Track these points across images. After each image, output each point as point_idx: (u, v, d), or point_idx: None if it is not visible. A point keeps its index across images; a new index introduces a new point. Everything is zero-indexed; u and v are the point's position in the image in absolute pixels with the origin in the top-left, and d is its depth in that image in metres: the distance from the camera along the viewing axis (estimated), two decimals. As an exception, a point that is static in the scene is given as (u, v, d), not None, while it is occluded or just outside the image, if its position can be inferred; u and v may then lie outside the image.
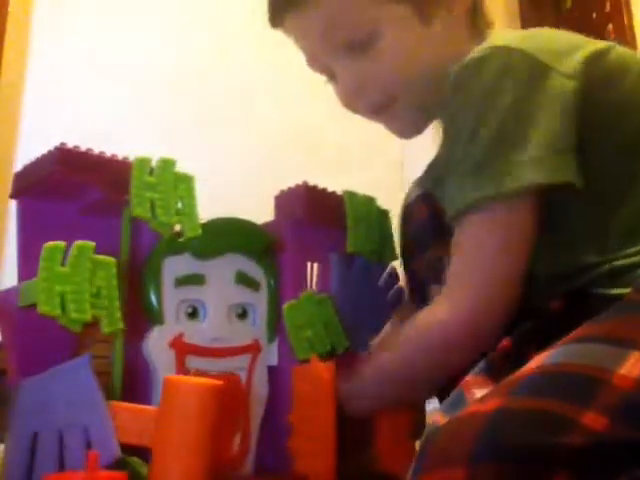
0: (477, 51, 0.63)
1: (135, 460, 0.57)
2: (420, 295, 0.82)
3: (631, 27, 1.91)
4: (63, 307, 0.55)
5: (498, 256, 0.61)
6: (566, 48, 0.63)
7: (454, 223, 0.63)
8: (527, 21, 1.88)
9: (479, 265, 0.62)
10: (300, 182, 0.75)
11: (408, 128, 0.76)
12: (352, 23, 0.68)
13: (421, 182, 0.80)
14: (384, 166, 1.76)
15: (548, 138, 0.58)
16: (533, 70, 0.60)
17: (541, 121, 0.59)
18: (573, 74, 0.60)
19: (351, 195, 0.78)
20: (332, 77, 0.74)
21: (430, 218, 0.82)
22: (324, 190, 0.77)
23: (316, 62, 0.74)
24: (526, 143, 0.58)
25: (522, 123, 0.59)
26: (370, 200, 0.80)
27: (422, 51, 0.69)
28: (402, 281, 0.85)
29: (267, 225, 0.75)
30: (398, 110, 0.72)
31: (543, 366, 0.46)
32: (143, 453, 0.56)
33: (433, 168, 0.79)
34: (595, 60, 0.62)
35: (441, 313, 0.62)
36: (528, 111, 0.59)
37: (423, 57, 0.70)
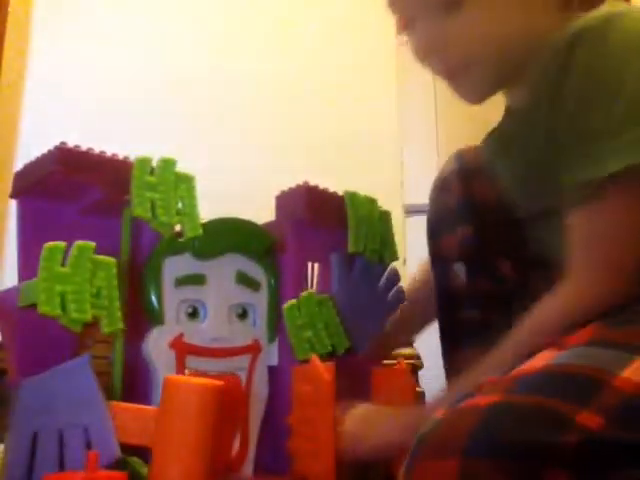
0: (596, 16, 0.61)
1: (135, 460, 0.57)
2: (442, 271, 0.81)
3: (631, 27, 1.91)
4: (63, 307, 0.55)
5: (634, 236, 0.58)
6: None
7: (579, 196, 0.59)
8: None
9: (616, 246, 0.58)
10: (300, 182, 0.75)
11: (476, 95, 0.73)
12: None
13: (479, 152, 0.79)
14: (384, 166, 1.76)
15: None
16: None
17: None
18: None
19: (352, 195, 0.78)
20: (410, 25, 0.72)
21: (465, 196, 0.81)
22: (325, 190, 0.76)
23: (399, 8, 0.72)
24: None
25: None
26: (371, 201, 0.80)
27: (511, 21, 0.68)
28: (403, 279, 0.85)
29: (268, 225, 0.75)
30: (471, 76, 0.70)
31: (546, 365, 0.46)
32: (143, 453, 0.56)
33: (505, 135, 0.76)
34: None
35: (565, 304, 0.59)
36: None
37: (511, 27, 0.68)
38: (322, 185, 0.77)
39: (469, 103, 0.74)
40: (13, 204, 0.66)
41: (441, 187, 0.83)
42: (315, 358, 0.69)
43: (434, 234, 0.81)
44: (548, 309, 0.61)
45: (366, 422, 0.65)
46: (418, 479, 0.42)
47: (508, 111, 0.76)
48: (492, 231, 0.79)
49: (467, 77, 0.71)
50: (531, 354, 0.51)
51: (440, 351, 0.83)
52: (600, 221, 0.59)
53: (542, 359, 0.48)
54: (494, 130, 0.78)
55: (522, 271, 0.79)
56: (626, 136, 0.56)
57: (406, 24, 0.73)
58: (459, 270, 0.79)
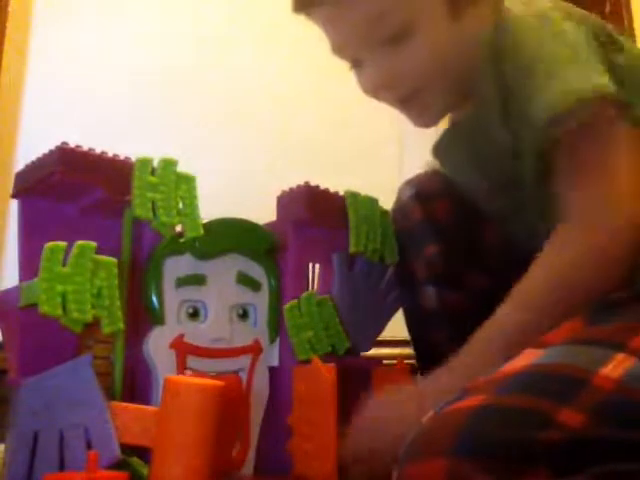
0: (520, 14, 0.67)
1: (135, 460, 0.57)
2: (412, 295, 0.82)
3: (631, 27, 1.91)
4: (64, 307, 0.55)
5: (628, 160, 0.60)
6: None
7: (564, 120, 0.60)
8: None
9: (616, 168, 0.60)
10: (301, 182, 0.75)
11: (429, 118, 0.76)
12: (388, 18, 0.69)
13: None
14: (383, 167, 1.76)
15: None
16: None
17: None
18: None
19: (353, 196, 0.78)
20: (358, 65, 0.74)
21: (425, 216, 0.83)
22: (326, 190, 0.76)
23: (344, 52, 0.74)
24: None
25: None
26: (372, 201, 0.80)
27: (452, 46, 0.70)
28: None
29: (269, 225, 0.75)
30: (422, 101, 0.73)
31: (529, 365, 0.47)
32: (143, 453, 0.56)
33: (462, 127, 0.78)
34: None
35: (574, 251, 0.58)
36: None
37: (453, 52, 0.71)
38: (322, 185, 0.77)
39: (423, 127, 0.77)
40: (14, 204, 0.66)
41: (401, 214, 0.85)
42: (317, 359, 0.70)
43: (400, 259, 0.82)
44: (554, 267, 0.60)
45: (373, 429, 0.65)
46: (409, 479, 0.42)
47: (455, 120, 0.79)
48: (456, 246, 0.81)
49: (419, 103, 0.73)
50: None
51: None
52: (588, 147, 0.60)
53: (524, 359, 0.48)
54: (441, 138, 0.80)
55: (490, 279, 0.80)
56: (571, 72, 0.61)
57: (354, 65, 0.74)
58: (429, 292, 0.80)
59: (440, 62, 0.70)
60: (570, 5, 0.70)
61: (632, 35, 1.91)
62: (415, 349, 0.85)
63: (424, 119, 0.76)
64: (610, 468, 0.39)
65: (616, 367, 0.44)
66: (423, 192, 0.85)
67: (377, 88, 0.73)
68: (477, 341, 0.62)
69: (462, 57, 0.71)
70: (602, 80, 0.60)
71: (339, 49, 0.74)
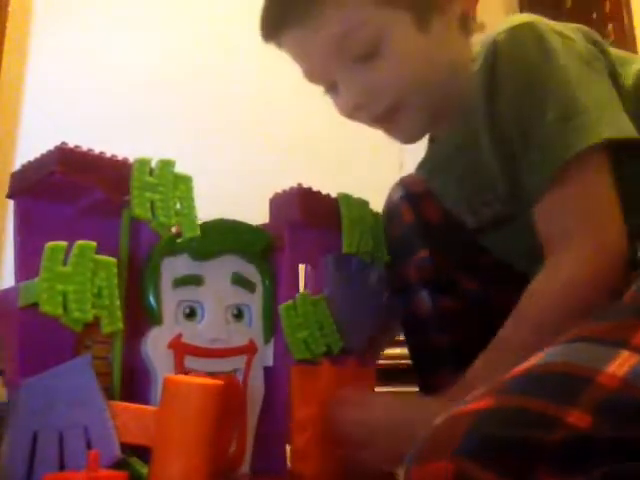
0: (505, 29, 0.67)
1: (135, 460, 0.57)
2: (407, 298, 0.82)
3: (631, 27, 1.92)
4: (65, 307, 0.55)
5: (610, 204, 0.62)
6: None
7: (553, 175, 0.63)
8: (527, 21, 1.87)
9: (597, 214, 0.62)
10: (300, 183, 0.75)
11: (410, 133, 0.76)
12: (355, 36, 0.68)
13: (420, 174, 0.82)
14: (383, 167, 1.76)
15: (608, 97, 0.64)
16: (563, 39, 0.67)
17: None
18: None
19: (345, 197, 0.79)
20: (332, 88, 0.74)
21: (415, 219, 0.83)
22: (318, 192, 0.77)
23: (316, 76, 0.74)
24: (592, 104, 0.62)
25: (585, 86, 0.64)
26: (364, 203, 0.81)
27: (421, 56, 0.70)
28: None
29: (263, 227, 0.75)
30: (400, 117, 0.73)
31: (534, 365, 0.47)
32: (142, 453, 0.56)
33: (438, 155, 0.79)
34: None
35: (569, 271, 0.61)
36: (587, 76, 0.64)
37: (422, 62, 0.70)
38: (322, 186, 0.77)
39: (405, 143, 0.76)
40: (12, 204, 0.66)
41: (391, 216, 0.85)
42: (320, 359, 0.70)
43: (392, 264, 0.82)
44: (547, 292, 0.62)
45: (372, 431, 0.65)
46: (416, 479, 0.43)
47: (437, 138, 0.79)
48: (447, 248, 0.81)
49: (399, 120, 0.73)
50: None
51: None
52: (575, 194, 0.63)
53: (531, 359, 0.48)
54: (426, 158, 0.82)
55: (484, 282, 0.80)
56: (577, 120, 0.62)
57: (328, 89, 0.74)
58: (422, 296, 0.80)
59: (412, 76, 0.70)
60: (553, 22, 0.70)
61: (632, 35, 1.91)
62: (411, 354, 0.85)
63: (405, 135, 0.76)
64: (616, 469, 0.39)
65: (621, 365, 0.44)
66: (413, 193, 0.85)
67: (353, 108, 0.73)
68: (484, 362, 0.63)
69: (436, 70, 0.71)
70: (627, 126, 0.62)
71: (311, 74, 0.74)
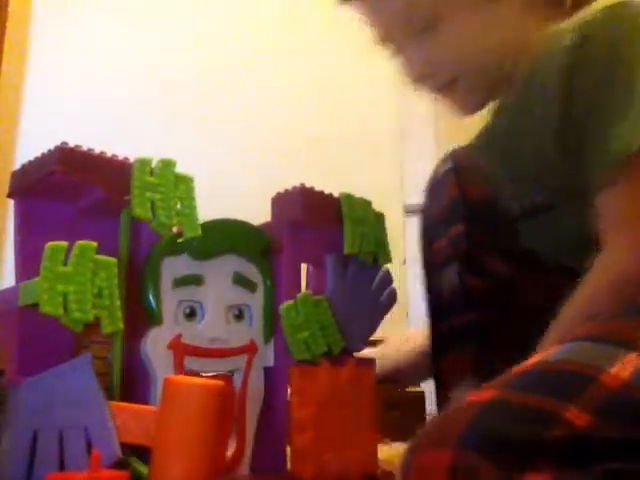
0: (599, 10, 0.64)
1: (135, 460, 0.57)
2: (434, 277, 0.81)
3: (631, 27, 1.91)
4: (65, 307, 0.55)
5: None
6: None
7: (618, 162, 0.61)
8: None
9: None
10: (300, 183, 0.75)
11: (469, 107, 0.77)
12: (416, 10, 0.70)
13: (472, 151, 0.81)
14: (383, 166, 1.76)
15: None
16: None
17: None
18: None
19: (347, 197, 0.79)
20: (400, 52, 0.76)
21: (459, 193, 0.82)
22: (320, 192, 0.77)
23: (385, 39, 0.76)
24: None
25: None
26: (366, 203, 0.81)
27: (487, 35, 0.71)
28: (403, 279, 0.85)
29: (264, 226, 0.76)
30: (460, 90, 0.74)
31: (540, 362, 0.48)
32: (142, 453, 0.56)
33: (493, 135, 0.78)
34: None
35: (618, 265, 0.60)
36: None
37: (487, 41, 0.71)
38: (322, 185, 0.77)
39: (463, 116, 0.77)
40: (12, 204, 0.66)
41: (435, 187, 0.84)
42: (320, 360, 0.70)
43: (427, 239, 0.82)
44: (593, 284, 0.61)
45: None
46: (416, 468, 0.44)
47: (497, 112, 0.78)
48: (484, 228, 0.80)
49: (456, 92, 0.73)
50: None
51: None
52: (633, 199, 0.61)
53: (536, 356, 0.50)
54: (483, 130, 0.79)
55: (513, 266, 0.79)
56: None
57: (395, 54, 0.76)
58: (450, 272, 0.79)
59: (474, 52, 0.71)
60: None
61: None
62: (431, 331, 0.84)
63: (463, 108, 0.76)
64: (614, 467, 0.40)
65: (626, 366, 0.45)
66: (462, 166, 0.84)
67: (417, 78, 0.74)
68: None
69: (501, 48, 0.71)
70: None
71: (381, 39, 0.75)
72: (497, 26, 0.71)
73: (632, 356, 0.46)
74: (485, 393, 0.45)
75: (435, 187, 0.85)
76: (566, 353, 0.48)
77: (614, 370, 0.44)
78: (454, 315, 0.80)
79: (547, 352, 0.49)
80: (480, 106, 0.77)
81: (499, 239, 0.80)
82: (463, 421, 0.43)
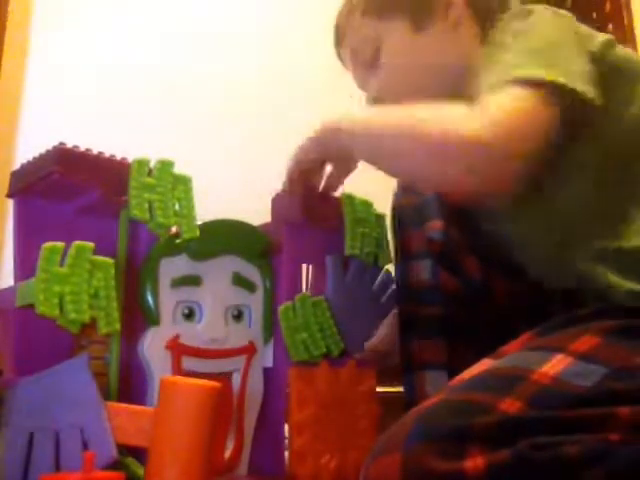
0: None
1: (131, 461, 0.57)
2: (406, 266, 0.82)
3: (631, 27, 1.91)
4: (61, 308, 0.55)
5: (536, 121, 0.61)
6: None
7: (501, 84, 0.63)
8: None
9: (521, 112, 0.61)
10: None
11: None
12: (363, 47, 0.78)
13: None
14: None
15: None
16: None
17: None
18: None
19: (349, 198, 0.78)
20: (363, 87, 0.82)
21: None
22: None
23: (355, 78, 0.82)
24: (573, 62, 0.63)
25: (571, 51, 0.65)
26: (368, 204, 0.80)
27: (421, 58, 0.76)
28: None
29: (264, 227, 0.75)
30: None
31: (482, 370, 0.54)
32: (139, 454, 0.56)
33: None
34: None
35: (474, 121, 0.60)
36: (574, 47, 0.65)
37: (422, 63, 0.75)
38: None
39: None
40: (12, 204, 0.66)
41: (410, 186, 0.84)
42: (319, 361, 0.70)
43: (401, 227, 0.82)
44: (439, 116, 0.63)
45: None
46: (372, 476, 0.48)
47: None
48: (461, 227, 0.80)
49: None
50: None
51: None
52: (508, 103, 0.62)
53: (480, 366, 0.56)
54: None
55: (487, 272, 0.79)
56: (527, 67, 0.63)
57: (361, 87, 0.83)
58: (425, 265, 0.80)
59: (411, 75, 0.76)
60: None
61: (632, 35, 1.91)
62: (400, 319, 0.84)
63: None
64: (540, 440, 0.45)
65: (555, 365, 0.51)
66: None
67: (374, 102, 0.79)
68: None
69: (439, 66, 0.75)
70: (586, 87, 0.61)
71: (358, 85, 0.83)
72: (432, 50, 0.75)
73: (560, 356, 0.52)
74: (431, 400, 0.51)
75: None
76: (504, 362, 0.55)
77: (545, 369, 0.51)
78: (423, 304, 0.80)
79: (486, 364, 0.56)
80: None
81: (476, 241, 0.80)
82: (409, 424, 0.48)
